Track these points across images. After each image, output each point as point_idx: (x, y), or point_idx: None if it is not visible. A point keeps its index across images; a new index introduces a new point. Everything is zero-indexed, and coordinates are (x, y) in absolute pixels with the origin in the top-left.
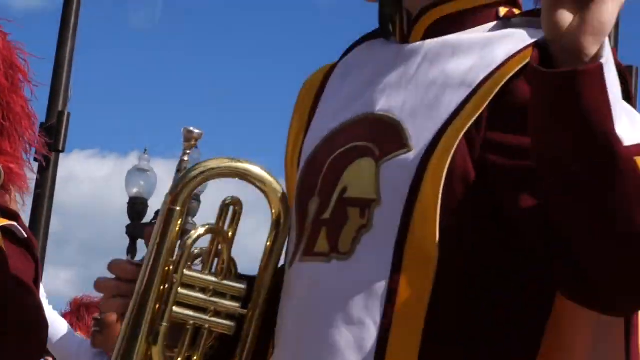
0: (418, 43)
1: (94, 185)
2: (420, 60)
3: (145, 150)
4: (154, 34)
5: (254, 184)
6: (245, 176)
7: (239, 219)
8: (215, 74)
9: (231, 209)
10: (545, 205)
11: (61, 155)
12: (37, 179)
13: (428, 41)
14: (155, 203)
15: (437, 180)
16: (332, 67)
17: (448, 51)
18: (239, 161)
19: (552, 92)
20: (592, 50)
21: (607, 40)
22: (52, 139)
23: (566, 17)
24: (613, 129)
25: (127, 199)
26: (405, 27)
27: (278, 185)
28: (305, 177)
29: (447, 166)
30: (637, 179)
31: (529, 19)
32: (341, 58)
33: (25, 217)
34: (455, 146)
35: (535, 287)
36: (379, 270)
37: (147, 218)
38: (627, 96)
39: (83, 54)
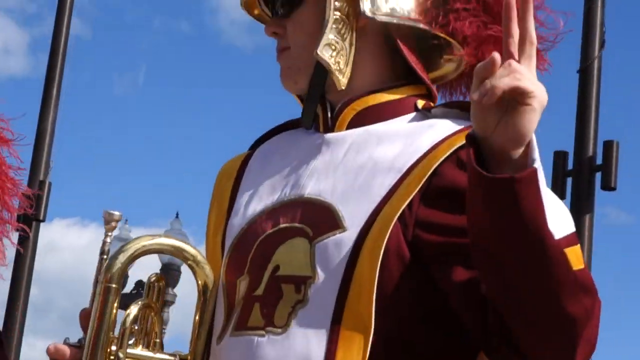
0: (343, 132)
1: (74, 253)
2: (347, 148)
3: (126, 220)
4: (136, 100)
5: (181, 258)
6: (172, 251)
7: (163, 293)
8: (197, 142)
9: (156, 285)
10: (479, 282)
11: (42, 224)
12: (17, 249)
13: (352, 130)
14: (136, 273)
15: (374, 259)
16: (248, 156)
17: (373, 139)
18: (166, 237)
19: (491, 194)
20: (515, 153)
21: (534, 139)
22: (33, 208)
23: (493, 120)
24: (546, 225)
25: None
26: (329, 119)
27: (203, 257)
28: (233, 257)
29: (384, 245)
30: (567, 269)
31: (447, 110)
32: (253, 147)
33: (5, 286)
34: (391, 227)
35: (465, 355)
36: (316, 343)
37: (127, 288)
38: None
39: (66, 121)
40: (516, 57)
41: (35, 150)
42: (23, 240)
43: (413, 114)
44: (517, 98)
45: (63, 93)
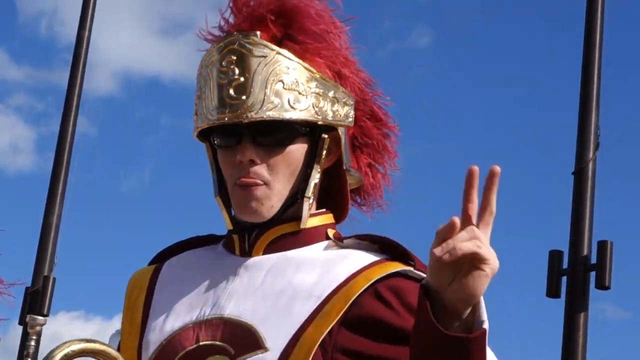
0: (260, 257)
1: None
2: (265, 273)
3: None
4: (143, 198)
5: None
6: (98, 355)
7: None
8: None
9: None
10: None
11: (46, 318)
12: (21, 343)
13: (270, 256)
14: None
15: None
16: (156, 269)
17: (291, 266)
18: (92, 342)
19: (446, 349)
20: (464, 312)
21: (482, 300)
22: (38, 303)
23: (447, 277)
24: None
25: None
26: (246, 244)
27: None
28: None
29: None
30: None
31: (358, 242)
32: (156, 261)
33: None
34: (314, 350)
35: None
36: None
37: None
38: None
39: (72, 217)
40: (474, 221)
41: (40, 245)
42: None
43: (326, 242)
44: (474, 262)
45: (69, 190)
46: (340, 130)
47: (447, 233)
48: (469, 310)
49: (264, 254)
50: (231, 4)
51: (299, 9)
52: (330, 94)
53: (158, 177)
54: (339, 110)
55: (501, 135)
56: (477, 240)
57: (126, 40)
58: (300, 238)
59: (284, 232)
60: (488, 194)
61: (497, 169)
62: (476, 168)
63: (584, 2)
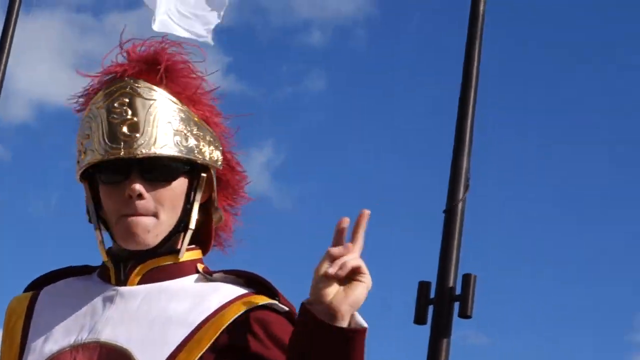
0: (135, 287)
1: None
2: (140, 301)
3: None
4: (47, 221)
5: None
6: None
7: None
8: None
9: None
10: None
11: None
12: None
13: (144, 286)
14: None
15: None
16: (33, 296)
17: (164, 295)
18: None
19: (332, 341)
20: (347, 317)
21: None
22: None
23: (332, 290)
24: None
25: None
26: (122, 274)
27: None
28: None
29: None
30: None
31: (226, 276)
32: (33, 288)
33: None
34: None
35: None
36: None
37: None
38: None
39: None
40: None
41: None
42: None
43: (196, 276)
44: (355, 276)
45: None
46: (212, 171)
47: (340, 253)
48: (348, 320)
49: (138, 284)
50: (110, 67)
51: (169, 63)
52: (207, 137)
53: (65, 202)
54: (213, 153)
55: (384, 175)
56: (358, 259)
57: (42, 73)
58: (173, 271)
59: (159, 264)
60: (357, 232)
61: (367, 211)
62: (346, 220)
63: (463, 48)
